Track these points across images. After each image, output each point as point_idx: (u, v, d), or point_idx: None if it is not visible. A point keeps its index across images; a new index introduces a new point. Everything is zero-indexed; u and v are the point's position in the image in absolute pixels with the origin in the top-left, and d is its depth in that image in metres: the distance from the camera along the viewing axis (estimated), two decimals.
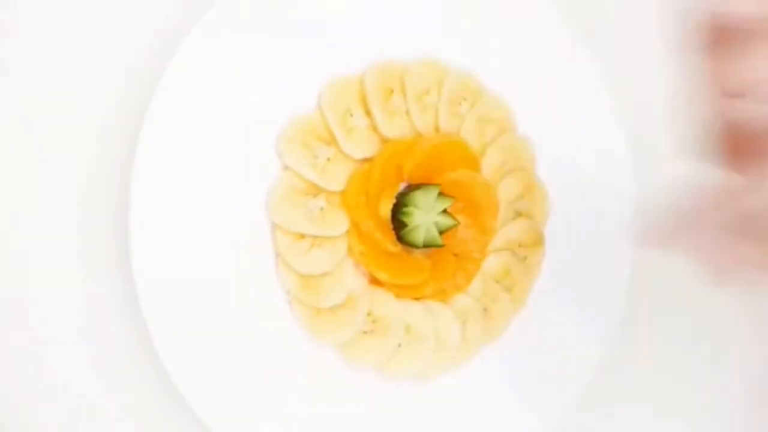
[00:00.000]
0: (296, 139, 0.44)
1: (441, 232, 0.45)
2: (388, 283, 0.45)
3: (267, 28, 0.44)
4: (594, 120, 0.49)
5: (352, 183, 0.45)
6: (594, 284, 0.48)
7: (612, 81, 0.48)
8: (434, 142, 0.46)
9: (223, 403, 0.42)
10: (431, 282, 0.46)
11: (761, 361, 0.53)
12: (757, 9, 0.29)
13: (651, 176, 0.51)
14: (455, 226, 0.46)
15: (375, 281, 0.45)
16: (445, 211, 0.46)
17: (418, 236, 0.45)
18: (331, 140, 0.45)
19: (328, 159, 0.44)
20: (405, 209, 0.45)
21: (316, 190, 0.44)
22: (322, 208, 0.44)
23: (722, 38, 0.29)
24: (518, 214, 0.48)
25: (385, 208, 0.45)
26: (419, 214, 0.45)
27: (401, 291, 0.45)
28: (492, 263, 0.47)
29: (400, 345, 0.45)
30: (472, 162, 0.47)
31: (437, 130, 0.46)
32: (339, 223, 0.44)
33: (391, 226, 0.45)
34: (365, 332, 0.44)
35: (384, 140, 0.46)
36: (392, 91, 0.45)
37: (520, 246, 0.47)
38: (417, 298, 0.46)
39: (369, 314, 0.45)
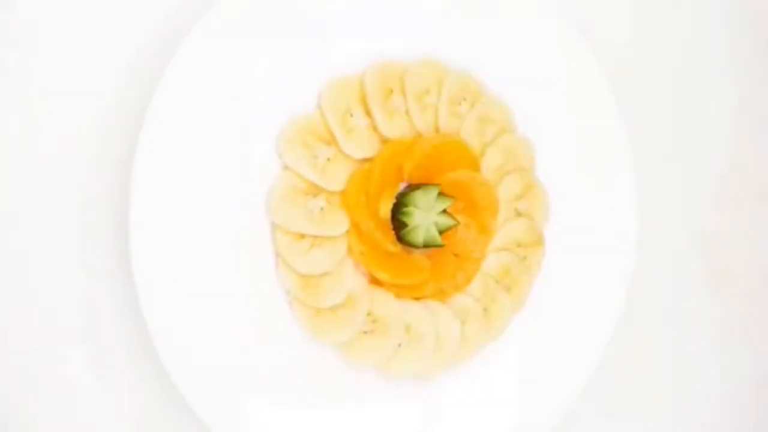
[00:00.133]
0: (296, 139, 0.44)
1: (441, 232, 0.45)
2: (388, 283, 0.45)
3: (267, 28, 0.44)
4: (594, 120, 0.49)
5: (352, 183, 0.45)
6: (594, 284, 0.48)
7: (612, 81, 0.48)
8: (434, 142, 0.46)
9: (223, 403, 0.42)
10: (431, 282, 0.46)
11: (761, 361, 0.53)
12: None
13: (651, 176, 0.51)
14: (455, 226, 0.46)
15: (375, 281, 0.45)
16: (444, 211, 0.46)
17: (418, 236, 0.45)
18: (331, 140, 0.45)
19: (328, 159, 0.44)
20: (405, 209, 0.45)
21: (316, 190, 0.44)
22: (322, 208, 0.44)
23: None
24: (518, 214, 0.48)
25: (385, 208, 0.45)
26: (419, 214, 0.45)
27: (401, 291, 0.45)
28: (492, 263, 0.47)
29: (400, 345, 0.45)
30: (472, 162, 0.47)
31: (437, 130, 0.46)
32: (339, 223, 0.44)
33: (391, 226, 0.45)
34: (365, 332, 0.44)
35: (384, 140, 0.45)
36: (392, 91, 0.45)
37: (519, 246, 0.47)
38: (417, 298, 0.46)
39: (369, 314, 0.45)
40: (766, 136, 0.54)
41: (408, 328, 0.45)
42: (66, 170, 0.44)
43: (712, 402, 0.52)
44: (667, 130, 0.53)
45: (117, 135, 0.44)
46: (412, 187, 0.46)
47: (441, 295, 0.46)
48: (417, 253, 0.46)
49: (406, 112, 0.46)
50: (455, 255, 0.46)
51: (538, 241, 0.48)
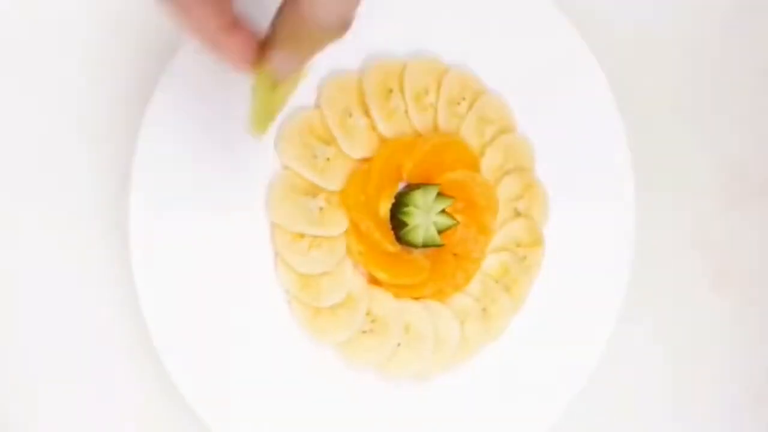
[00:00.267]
0: (295, 139, 0.44)
1: (440, 232, 0.45)
2: (387, 282, 0.45)
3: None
4: (594, 120, 0.49)
5: (351, 183, 0.45)
6: (593, 284, 0.48)
7: (612, 80, 0.48)
8: (433, 142, 0.46)
9: (223, 403, 0.42)
10: (430, 282, 0.46)
11: (761, 361, 0.53)
12: None
13: (652, 176, 0.51)
14: (454, 225, 0.46)
15: (374, 281, 0.45)
16: (444, 211, 0.46)
17: (418, 236, 0.45)
18: (331, 140, 0.45)
19: (328, 159, 0.44)
20: (404, 209, 0.45)
21: (315, 189, 0.44)
22: (321, 208, 0.44)
23: None
24: (518, 214, 0.48)
25: (385, 208, 0.45)
26: (418, 214, 0.45)
27: (400, 291, 0.45)
28: (491, 263, 0.47)
29: (399, 345, 0.45)
30: (472, 162, 0.47)
31: (436, 129, 0.46)
32: (338, 222, 0.44)
33: (390, 225, 0.45)
34: (364, 332, 0.44)
35: (383, 140, 0.46)
36: (391, 91, 0.45)
37: (519, 246, 0.47)
38: (416, 298, 0.46)
39: (368, 314, 0.45)
40: (766, 136, 0.54)
41: (407, 327, 0.45)
42: (66, 170, 0.44)
43: (712, 402, 0.52)
44: (667, 130, 0.53)
45: (117, 134, 0.44)
46: (412, 187, 0.46)
47: (440, 295, 0.46)
48: (416, 253, 0.46)
49: (405, 111, 0.46)
50: (455, 255, 0.46)
51: (538, 241, 0.48)
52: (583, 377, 0.47)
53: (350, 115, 0.45)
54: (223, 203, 0.43)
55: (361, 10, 0.46)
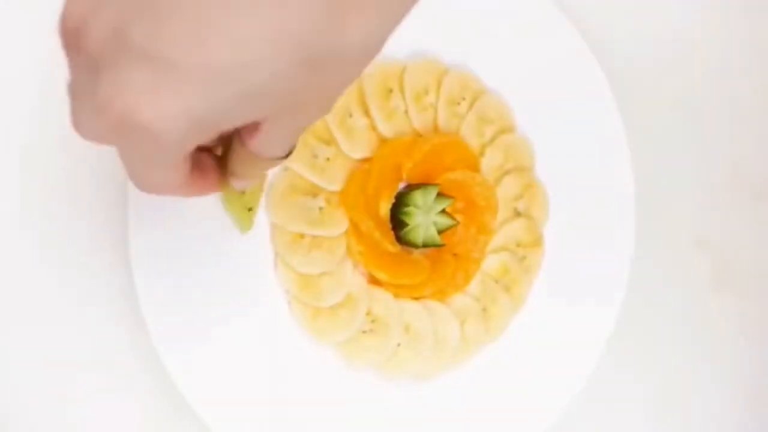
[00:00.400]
0: None
1: (440, 232, 0.45)
2: (387, 282, 0.45)
3: None
4: (594, 120, 0.49)
5: (351, 183, 0.45)
6: (593, 284, 0.48)
7: (612, 80, 0.48)
8: (433, 142, 0.46)
9: (223, 403, 0.42)
10: (430, 282, 0.46)
11: (760, 361, 0.53)
12: None
13: (651, 176, 0.51)
14: (454, 225, 0.46)
15: (374, 281, 0.45)
16: (444, 211, 0.46)
17: (418, 236, 0.45)
18: (331, 140, 0.45)
19: (328, 159, 0.44)
20: (404, 209, 0.45)
21: (315, 189, 0.44)
22: (321, 208, 0.44)
23: None
24: (517, 214, 0.48)
25: (385, 208, 0.45)
26: (418, 214, 0.45)
27: (400, 291, 0.45)
28: (491, 263, 0.47)
29: (399, 345, 0.45)
30: (472, 162, 0.47)
31: (436, 129, 0.46)
32: (338, 222, 0.44)
33: (390, 225, 0.45)
34: (364, 332, 0.44)
35: (383, 140, 0.46)
36: (391, 91, 0.45)
37: (519, 246, 0.47)
38: (416, 298, 0.46)
39: (368, 314, 0.45)
40: (766, 136, 0.54)
41: (407, 327, 0.45)
42: (66, 170, 0.44)
43: (712, 402, 0.52)
44: (666, 130, 0.53)
45: None
46: (412, 187, 0.46)
47: (440, 294, 0.46)
48: (416, 253, 0.46)
49: (405, 112, 0.46)
50: (455, 255, 0.46)
51: (538, 240, 0.48)
52: (583, 377, 0.47)
53: (350, 115, 0.45)
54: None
55: None
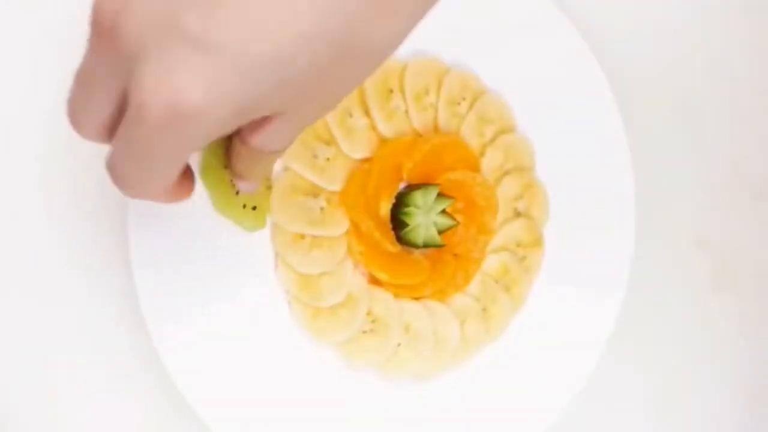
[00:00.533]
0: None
1: (440, 232, 0.45)
2: (387, 282, 0.45)
3: None
4: (594, 120, 0.49)
5: (351, 183, 0.45)
6: (593, 284, 0.48)
7: (612, 80, 0.48)
8: (433, 142, 0.46)
9: (223, 403, 0.42)
10: (431, 282, 0.46)
11: (760, 361, 0.53)
12: None
13: (651, 176, 0.51)
14: (455, 225, 0.46)
15: (374, 281, 0.45)
16: (444, 211, 0.46)
17: (418, 236, 0.45)
18: (331, 140, 0.45)
19: (328, 159, 0.44)
20: (404, 209, 0.45)
21: (315, 189, 0.44)
22: (321, 208, 0.44)
23: None
24: (518, 214, 0.48)
25: (385, 208, 0.45)
26: (419, 214, 0.45)
27: (400, 291, 0.45)
28: (491, 263, 0.47)
29: (399, 345, 0.45)
30: (472, 162, 0.47)
31: (436, 129, 0.46)
32: (339, 222, 0.44)
33: (390, 226, 0.45)
34: (365, 332, 0.44)
35: (383, 140, 0.46)
36: (391, 91, 0.45)
37: (519, 246, 0.47)
38: (416, 298, 0.46)
39: (368, 314, 0.45)
40: (766, 136, 0.54)
41: (407, 327, 0.45)
42: (66, 170, 0.44)
43: (712, 402, 0.52)
44: (666, 130, 0.53)
45: None
46: (412, 187, 0.46)
47: (440, 295, 0.46)
48: (417, 253, 0.46)
49: (406, 111, 0.46)
50: (455, 255, 0.46)
51: (538, 240, 0.48)
52: (583, 377, 0.47)
53: (350, 115, 0.45)
54: None
55: None
